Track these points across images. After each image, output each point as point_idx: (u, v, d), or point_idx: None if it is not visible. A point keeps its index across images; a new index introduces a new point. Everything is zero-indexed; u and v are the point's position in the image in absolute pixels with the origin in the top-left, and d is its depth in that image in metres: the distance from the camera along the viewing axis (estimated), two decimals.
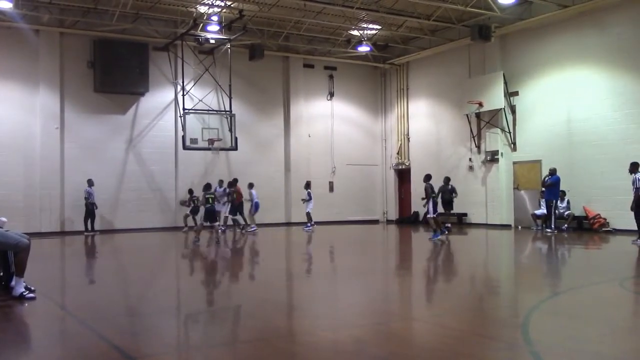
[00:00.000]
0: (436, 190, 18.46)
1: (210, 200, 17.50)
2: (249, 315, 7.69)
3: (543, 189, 20.06)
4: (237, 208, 22.26)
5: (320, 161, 27.24)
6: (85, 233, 21.30)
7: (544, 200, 20.18)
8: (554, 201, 19.51)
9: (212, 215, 17.71)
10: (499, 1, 20.54)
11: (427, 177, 18.24)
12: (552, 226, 19.30)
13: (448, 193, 20.78)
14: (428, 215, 17.93)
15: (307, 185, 23.59)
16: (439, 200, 19.11)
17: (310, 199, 23.18)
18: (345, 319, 7.19)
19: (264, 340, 6.07)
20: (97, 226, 21.79)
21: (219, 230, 19.38)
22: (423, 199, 18.14)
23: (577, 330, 6.40)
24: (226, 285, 10.64)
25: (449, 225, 20.67)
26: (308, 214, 23.12)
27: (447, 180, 20.97)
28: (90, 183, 21.50)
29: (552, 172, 19.61)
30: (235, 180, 22.60)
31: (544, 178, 19.84)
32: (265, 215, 24.36)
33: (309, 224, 23.01)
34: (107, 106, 23.35)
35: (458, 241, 18.93)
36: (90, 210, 21.43)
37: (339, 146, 28.02)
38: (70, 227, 22.17)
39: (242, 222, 22.50)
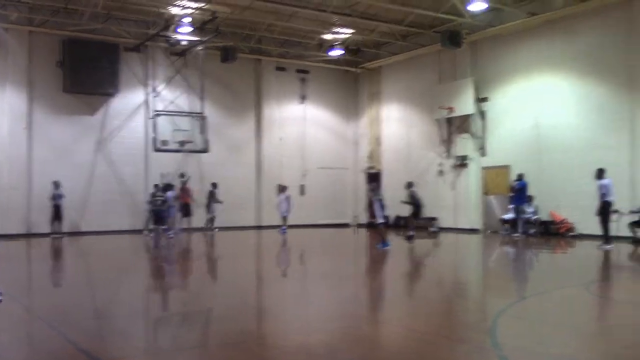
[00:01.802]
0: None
1: (159, 202, 17.30)
2: (219, 318, 7.66)
3: (512, 193, 20.40)
4: (180, 209, 22.09)
5: (291, 164, 27.21)
6: (52, 235, 20.99)
7: (512, 205, 20.51)
8: (520, 206, 19.87)
9: (158, 216, 17.51)
10: (469, 8, 20.75)
11: (410, 184, 18.73)
12: (520, 230, 19.68)
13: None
14: (380, 221, 16.38)
15: (283, 189, 23.29)
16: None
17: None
18: (315, 322, 7.20)
19: (234, 344, 6.06)
20: (64, 228, 21.45)
21: (165, 233, 19.45)
22: (405, 202, 18.43)
23: (544, 334, 6.50)
24: (195, 289, 10.57)
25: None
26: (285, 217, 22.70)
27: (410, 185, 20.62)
28: (56, 185, 21.21)
29: (519, 177, 20.09)
30: (173, 178, 22.51)
31: (512, 182, 20.28)
32: (236, 217, 24.27)
33: (284, 227, 22.65)
34: (77, 107, 23.03)
35: (427, 245, 19.09)
36: (56, 212, 21.13)
37: (311, 149, 28.04)
38: (37, 229, 21.78)
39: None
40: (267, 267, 14.21)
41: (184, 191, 22.23)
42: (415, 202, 19.31)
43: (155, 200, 17.39)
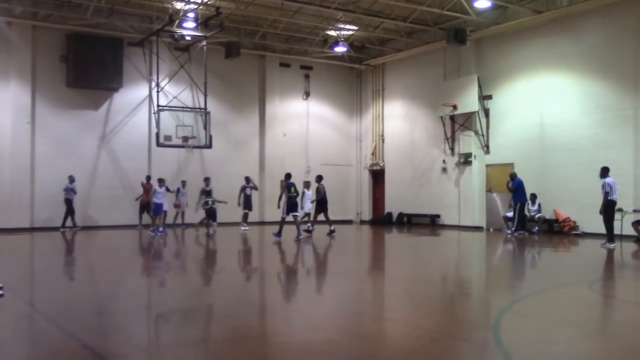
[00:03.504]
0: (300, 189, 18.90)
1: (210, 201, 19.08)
2: (222, 315, 7.65)
3: (510, 194, 20.48)
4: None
5: (295, 161, 27.16)
6: (61, 229, 21.05)
7: (513, 204, 20.56)
8: (518, 204, 19.95)
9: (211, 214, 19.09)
10: (475, 5, 20.72)
11: (319, 178, 19.72)
12: (513, 228, 19.84)
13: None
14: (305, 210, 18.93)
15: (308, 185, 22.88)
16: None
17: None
18: (319, 319, 7.18)
19: (236, 341, 6.04)
20: (68, 222, 21.47)
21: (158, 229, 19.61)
22: (313, 202, 19.65)
23: (547, 331, 6.48)
24: (198, 285, 10.55)
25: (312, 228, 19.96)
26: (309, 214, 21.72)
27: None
28: (71, 179, 21.34)
29: (512, 176, 20.19)
30: (147, 177, 22.30)
31: (507, 183, 20.26)
32: (239, 213, 24.20)
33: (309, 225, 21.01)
34: (80, 101, 23.05)
35: (430, 243, 19.08)
36: (68, 207, 21.25)
37: (314, 146, 28.02)
38: (40, 224, 21.81)
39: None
40: (269, 264, 14.19)
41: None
42: (321, 197, 19.62)
43: (206, 201, 19.10)
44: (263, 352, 5.72)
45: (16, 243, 17.08)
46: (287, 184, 18.11)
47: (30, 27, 22.05)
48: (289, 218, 17.97)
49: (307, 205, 21.48)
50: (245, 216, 21.85)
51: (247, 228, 21.73)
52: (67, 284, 10.30)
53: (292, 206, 17.84)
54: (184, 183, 22.77)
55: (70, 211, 21.30)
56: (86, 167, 22.89)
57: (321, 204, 19.76)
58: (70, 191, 21.29)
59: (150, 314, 7.87)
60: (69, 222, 21.32)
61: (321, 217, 19.74)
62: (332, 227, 19.85)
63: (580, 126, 19.87)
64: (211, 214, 19.10)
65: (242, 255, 15.79)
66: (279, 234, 18.06)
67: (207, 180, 21.08)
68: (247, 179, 21.92)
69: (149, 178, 22.22)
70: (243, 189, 21.63)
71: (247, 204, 21.69)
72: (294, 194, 17.92)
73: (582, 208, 19.14)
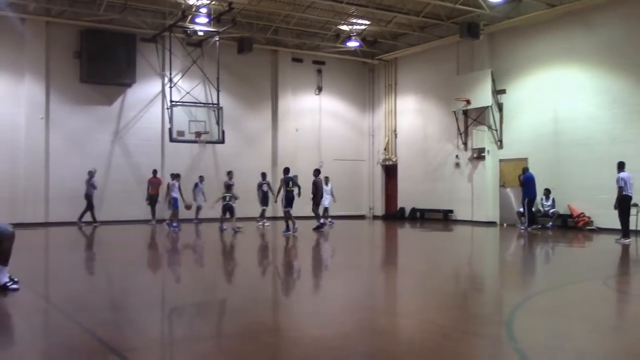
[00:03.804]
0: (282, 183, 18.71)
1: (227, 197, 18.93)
2: (234, 310, 7.66)
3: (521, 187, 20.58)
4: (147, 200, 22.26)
5: (307, 156, 27.16)
6: (79, 223, 21.21)
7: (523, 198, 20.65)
8: (526, 199, 20.04)
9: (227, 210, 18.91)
10: None
11: (317, 172, 19.75)
12: (526, 224, 19.91)
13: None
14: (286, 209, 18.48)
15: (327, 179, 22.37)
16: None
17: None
18: (331, 314, 7.18)
19: (249, 335, 6.05)
20: (87, 218, 21.66)
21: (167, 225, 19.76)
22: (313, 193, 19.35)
23: (561, 327, 6.44)
24: (211, 280, 10.59)
25: (324, 221, 20.21)
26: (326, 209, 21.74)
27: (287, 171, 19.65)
28: (91, 174, 21.51)
29: (524, 170, 20.28)
30: (154, 171, 22.55)
31: (519, 177, 20.31)
32: (251, 209, 24.22)
33: (330, 220, 21.59)
34: (93, 97, 23.17)
35: (443, 238, 19.03)
36: (87, 202, 21.41)
37: (327, 141, 28.00)
38: (55, 219, 21.98)
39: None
40: (283, 260, 14.20)
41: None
42: (316, 192, 19.55)
43: (224, 196, 18.86)
44: (275, 346, 5.72)
45: (31, 238, 17.22)
46: (285, 178, 18.32)
47: (44, 23, 22.19)
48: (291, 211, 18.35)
49: (327, 200, 21.53)
50: (263, 212, 21.80)
51: (267, 223, 21.71)
52: (81, 279, 10.37)
53: (288, 201, 18.26)
54: (201, 178, 22.75)
55: (89, 206, 21.43)
56: (100, 163, 23.00)
57: (316, 198, 19.63)
58: (90, 186, 21.44)
59: (164, 308, 7.90)
60: (88, 217, 21.33)
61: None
62: (322, 222, 19.74)
63: (596, 121, 19.70)
64: (226, 209, 19.00)
65: (254, 251, 15.80)
66: (287, 229, 18.17)
67: (230, 174, 20.65)
68: (264, 175, 21.87)
69: (155, 172, 22.30)
70: (260, 185, 21.61)
71: (265, 200, 21.64)
72: (292, 189, 18.29)
73: (597, 203, 18.99)
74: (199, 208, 22.52)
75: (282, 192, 18.64)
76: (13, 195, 21.40)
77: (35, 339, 6.01)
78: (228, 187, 19.42)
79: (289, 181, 18.40)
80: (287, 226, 18.23)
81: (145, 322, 6.77)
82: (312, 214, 19.95)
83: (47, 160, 22.17)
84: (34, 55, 22.00)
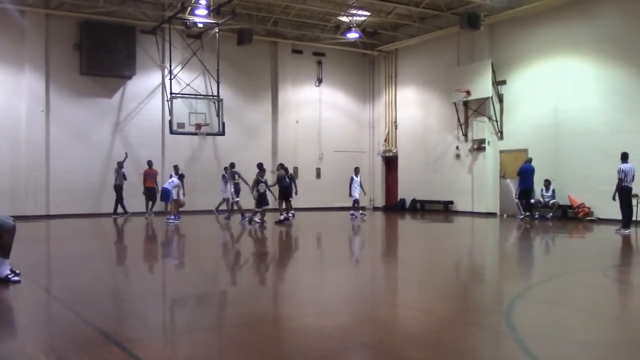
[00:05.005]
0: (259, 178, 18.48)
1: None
2: (235, 300, 7.69)
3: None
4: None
5: (307, 147, 27.19)
6: (113, 216, 21.46)
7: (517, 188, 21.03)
8: (521, 189, 20.42)
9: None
10: None
11: (281, 166, 19.93)
12: (521, 214, 20.39)
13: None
14: (235, 199, 19.65)
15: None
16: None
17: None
18: (331, 305, 7.20)
19: (249, 326, 6.08)
20: (85, 209, 21.70)
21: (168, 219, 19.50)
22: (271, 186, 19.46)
23: (561, 318, 6.46)
24: (210, 271, 10.61)
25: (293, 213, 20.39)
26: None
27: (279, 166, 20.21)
28: (120, 165, 21.75)
29: (526, 161, 20.59)
30: (149, 163, 22.34)
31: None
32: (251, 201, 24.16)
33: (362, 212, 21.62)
34: (93, 89, 23.16)
35: (444, 229, 19.05)
36: (116, 193, 21.66)
37: (327, 133, 27.99)
38: (56, 211, 22.01)
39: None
40: (281, 251, 14.22)
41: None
42: (283, 186, 19.52)
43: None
44: (276, 337, 5.74)
45: (32, 230, 17.24)
46: (232, 172, 19.80)
47: (44, 15, 22.14)
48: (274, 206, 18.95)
49: (357, 191, 21.90)
50: (263, 213, 21.64)
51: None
52: (82, 271, 10.39)
53: (237, 192, 19.76)
54: (232, 165, 20.76)
55: (119, 198, 21.60)
56: (100, 155, 23.05)
57: (283, 192, 19.41)
58: (120, 176, 21.65)
59: (165, 299, 7.93)
60: (120, 208, 21.69)
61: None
62: (285, 216, 19.36)
63: (596, 111, 19.68)
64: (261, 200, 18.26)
65: (253, 242, 15.83)
66: (244, 217, 19.02)
67: (260, 165, 19.10)
68: (262, 169, 21.45)
69: (150, 163, 22.24)
70: (257, 182, 21.36)
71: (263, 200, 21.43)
72: (238, 181, 19.76)
73: (597, 194, 18.98)
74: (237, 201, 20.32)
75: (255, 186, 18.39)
76: (14, 188, 21.42)
77: (36, 331, 6.03)
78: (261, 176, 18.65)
79: (235, 174, 19.68)
80: (243, 215, 19.18)
81: (147, 313, 6.79)
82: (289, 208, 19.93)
83: (47, 153, 22.18)
84: (33, 48, 21.96)
